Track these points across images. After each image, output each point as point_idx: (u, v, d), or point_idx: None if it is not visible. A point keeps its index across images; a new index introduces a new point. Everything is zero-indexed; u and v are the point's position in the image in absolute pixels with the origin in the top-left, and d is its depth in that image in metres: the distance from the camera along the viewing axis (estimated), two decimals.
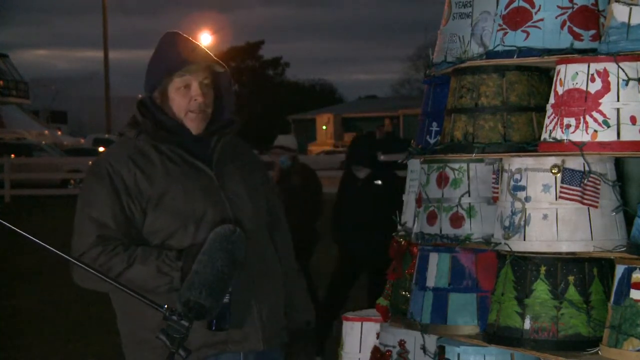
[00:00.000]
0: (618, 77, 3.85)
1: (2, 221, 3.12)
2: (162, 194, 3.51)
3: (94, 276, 3.27)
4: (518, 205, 4.00)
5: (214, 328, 3.41)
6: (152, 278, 3.41)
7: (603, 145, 3.85)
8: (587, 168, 3.91)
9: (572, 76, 3.95)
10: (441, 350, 4.35)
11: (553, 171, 3.94)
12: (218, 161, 3.60)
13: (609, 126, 3.85)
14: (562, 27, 4.10)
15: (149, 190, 3.50)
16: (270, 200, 3.80)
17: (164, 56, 3.60)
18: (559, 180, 3.93)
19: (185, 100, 3.57)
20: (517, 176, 4.02)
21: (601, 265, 3.96)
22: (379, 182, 8.67)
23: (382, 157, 9.20)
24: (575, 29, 4.09)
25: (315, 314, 3.94)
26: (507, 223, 4.03)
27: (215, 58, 3.63)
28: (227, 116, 3.69)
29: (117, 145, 3.67)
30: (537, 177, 3.97)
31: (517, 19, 4.17)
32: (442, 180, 4.47)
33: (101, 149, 35.39)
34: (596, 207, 3.92)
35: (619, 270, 3.79)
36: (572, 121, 3.91)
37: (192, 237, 3.47)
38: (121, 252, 3.44)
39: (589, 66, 3.91)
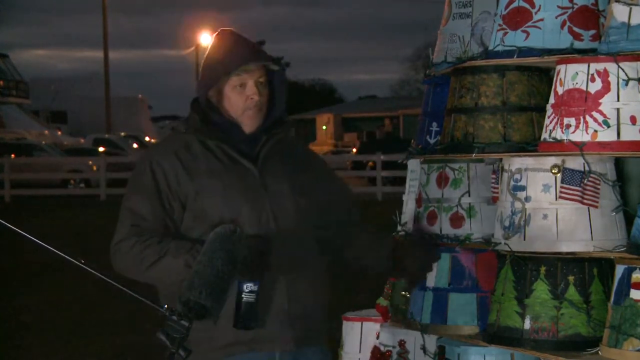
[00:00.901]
0: (618, 77, 3.85)
1: (2, 221, 3.12)
2: (201, 189, 3.53)
3: (130, 265, 3.44)
4: (518, 205, 4.00)
5: (240, 326, 3.40)
6: (178, 272, 3.43)
7: (603, 145, 3.85)
8: (587, 168, 3.91)
9: (572, 76, 3.95)
10: (441, 350, 4.35)
11: (553, 171, 3.94)
12: (264, 159, 3.60)
13: (609, 126, 3.85)
14: (562, 27, 4.10)
15: (189, 185, 3.53)
16: (333, 198, 3.74)
17: (220, 56, 3.62)
18: (559, 180, 3.93)
19: (242, 99, 3.59)
20: (517, 176, 4.03)
21: (601, 265, 3.97)
22: None
23: None
24: (575, 29, 4.09)
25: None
26: (507, 223, 4.03)
27: (271, 56, 3.65)
28: (279, 113, 3.69)
29: (165, 139, 3.73)
30: (537, 177, 3.97)
31: (517, 19, 4.17)
32: (442, 180, 4.47)
33: (101, 149, 35.41)
34: (596, 207, 3.92)
35: (619, 270, 3.79)
36: (572, 121, 3.91)
37: None
38: (155, 244, 3.47)
39: (589, 66, 3.91)
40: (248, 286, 3.37)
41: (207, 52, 3.70)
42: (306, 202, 3.63)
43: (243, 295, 3.37)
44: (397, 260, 3.62)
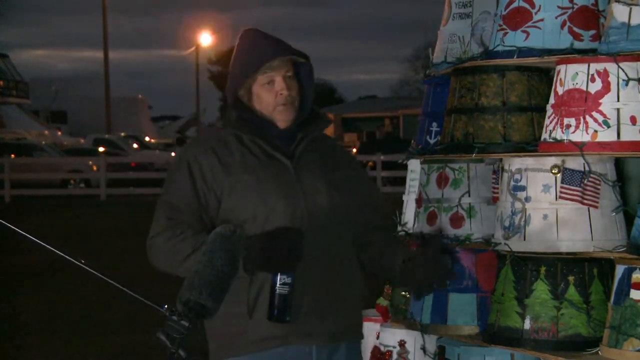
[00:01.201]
0: (618, 77, 3.85)
1: (2, 221, 3.12)
2: (236, 183, 3.55)
3: (166, 259, 3.46)
4: (518, 205, 4.00)
5: (273, 319, 3.41)
6: None
7: (603, 145, 3.85)
8: (587, 168, 3.91)
9: (572, 76, 3.95)
10: (441, 350, 4.35)
11: (553, 171, 3.94)
12: (300, 156, 3.61)
13: (609, 126, 3.85)
14: (562, 27, 4.10)
15: (224, 179, 3.55)
16: (364, 198, 3.74)
17: (245, 56, 3.63)
18: (559, 180, 3.93)
19: (272, 95, 3.60)
20: (517, 176, 4.03)
21: (601, 265, 3.97)
22: None
23: None
24: (575, 29, 4.10)
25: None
26: (507, 223, 4.03)
27: (297, 49, 3.65)
28: (310, 106, 3.70)
29: (202, 135, 3.77)
30: (537, 177, 3.97)
31: (517, 19, 4.17)
32: (442, 181, 4.47)
33: (101, 149, 35.40)
34: (596, 207, 3.92)
35: (619, 270, 3.79)
36: (572, 121, 3.91)
37: (261, 228, 3.48)
38: (190, 237, 3.48)
39: (589, 66, 3.91)
40: (282, 278, 3.38)
41: (233, 54, 3.71)
42: (340, 198, 3.63)
43: (277, 288, 3.38)
44: (407, 270, 3.56)
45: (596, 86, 3.88)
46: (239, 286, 3.43)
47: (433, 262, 3.48)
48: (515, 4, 4.18)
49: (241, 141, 3.60)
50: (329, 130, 57.03)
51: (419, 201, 4.60)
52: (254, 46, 3.63)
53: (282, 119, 3.61)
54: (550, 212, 3.93)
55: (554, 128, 3.97)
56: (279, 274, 3.38)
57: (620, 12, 3.88)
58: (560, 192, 3.93)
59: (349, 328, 3.62)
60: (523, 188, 4.00)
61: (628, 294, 3.73)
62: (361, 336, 3.72)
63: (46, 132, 45.78)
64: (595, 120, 3.86)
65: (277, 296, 3.39)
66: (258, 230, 3.46)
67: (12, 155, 30.02)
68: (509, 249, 4.00)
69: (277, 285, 3.38)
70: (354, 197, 3.67)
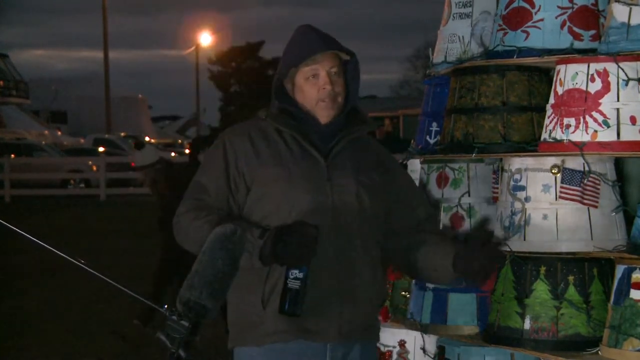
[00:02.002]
0: (618, 77, 3.86)
1: (2, 221, 3.12)
2: (267, 174, 3.57)
3: (189, 238, 3.51)
4: (518, 205, 4.00)
5: (284, 312, 3.42)
6: None
7: (603, 145, 3.85)
8: (587, 168, 3.91)
9: (572, 76, 3.95)
10: (441, 350, 4.35)
11: (553, 171, 3.94)
12: (336, 155, 3.61)
13: (608, 126, 3.85)
14: (562, 27, 4.10)
15: (257, 168, 3.58)
16: (402, 199, 3.74)
17: (293, 48, 3.66)
18: (559, 180, 3.94)
19: (315, 89, 3.61)
20: (517, 176, 4.03)
21: (601, 265, 3.97)
22: None
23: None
24: (575, 29, 4.10)
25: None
26: (507, 223, 4.03)
27: (343, 46, 3.65)
28: (354, 104, 3.70)
29: (244, 123, 3.78)
30: (537, 177, 3.97)
31: (517, 19, 4.17)
32: (442, 180, 4.47)
33: (101, 149, 35.38)
34: (596, 207, 3.92)
35: (619, 270, 3.79)
36: (572, 121, 3.91)
37: (283, 221, 3.48)
38: (215, 220, 3.50)
39: (589, 66, 3.91)
40: (293, 273, 3.40)
41: (286, 46, 3.73)
42: (370, 200, 3.62)
43: (288, 282, 3.40)
44: (459, 262, 3.54)
45: (596, 86, 3.88)
46: (256, 278, 3.47)
47: (485, 252, 3.46)
48: (515, 4, 4.18)
49: (279, 133, 3.63)
50: None
51: None
52: (302, 39, 3.65)
53: (323, 114, 3.62)
54: (550, 212, 3.93)
55: (553, 128, 3.97)
56: (291, 268, 3.40)
57: (620, 12, 3.88)
58: (560, 192, 3.93)
59: (363, 328, 3.61)
60: (523, 188, 4.00)
61: (628, 294, 3.73)
62: (377, 338, 3.72)
63: (46, 132, 45.75)
64: (595, 120, 3.86)
65: (289, 290, 3.41)
66: (280, 223, 3.47)
67: (12, 155, 30.01)
68: (509, 249, 4.00)
69: (289, 279, 3.41)
70: (386, 200, 3.66)
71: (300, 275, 3.41)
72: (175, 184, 8.80)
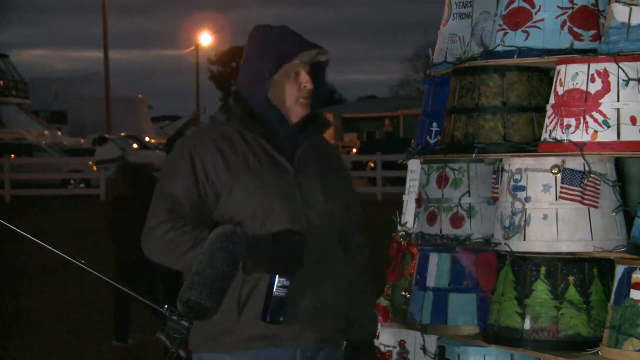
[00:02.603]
0: (618, 77, 3.85)
1: (2, 221, 3.12)
2: (237, 182, 3.54)
3: (163, 250, 3.44)
4: (518, 205, 4.00)
5: (268, 320, 3.40)
6: None
7: (603, 145, 3.85)
8: (587, 168, 3.91)
9: (572, 76, 3.95)
10: (441, 350, 4.35)
11: (553, 171, 3.94)
12: (300, 158, 3.61)
13: (609, 126, 3.85)
14: (562, 27, 4.10)
15: (225, 176, 3.54)
16: (350, 207, 3.76)
17: (278, 44, 3.61)
18: (559, 180, 3.93)
19: (296, 87, 3.60)
20: (517, 176, 4.03)
21: (601, 265, 3.97)
22: None
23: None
24: (575, 29, 4.10)
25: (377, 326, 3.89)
26: (507, 223, 4.03)
27: (319, 45, 3.66)
28: (320, 105, 3.70)
29: (205, 127, 3.72)
30: (537, 177, 3.97)
31: (517, 19, 4.17)
32: (442, 181, 4.47)
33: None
34: (596, 207, 3.92)
35: (619, 270, 3.79)
36: (572, 121, 3.91)
37: (259, 229, 3.48)
38: (189, 232, 3.47)
39: (589, 66, 3.91)
40: (281, 281, 3.38)
41: (254, 46, 3.66)
42: (335, 204, 3.64)
43: (275, 290, 3.38)
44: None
45: (596, 86, 3.88)
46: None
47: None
48: (515, 4, 4.18)
49: (244, 138, 3.59)
50: (329, 132, 57.14)
51: (419, 201, 4.60)
52: (286, 37, 3.62)
53: (298, 113, 3.61)
54: (550, 212, 3.93)
55: (554, 128, 3.97)
56: (277, 276, 3.37)
57: (620, 12, 3.88)
58: (560, 192, 3.93)
59: (334, 333, 3.63)
60: (523, 188, 4.00)
61: (628, 294, 3.73)
62: (342, 341, 3.72)
63: (46, 132, 45.72)
64: (595, 120, 3.86)
65: (274, 298, 3.38)
66: (255, 232, 3.46)
67: (12, 155, 29.99)
68: (509, 249, 4.00)
69: (275, 287, 3.38)
70: (344, 203, 3.69)
71: (287, 283, 3.39)
72: (134, 183, 8.75)
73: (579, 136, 3.89)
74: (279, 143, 3.59)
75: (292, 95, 3.60)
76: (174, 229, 3.48)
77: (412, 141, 4.84)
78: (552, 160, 3.95)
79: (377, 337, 3.92)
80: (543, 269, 3.94)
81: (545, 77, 4.30)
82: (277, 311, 3.39)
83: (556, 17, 4.11)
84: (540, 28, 4.12)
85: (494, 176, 4.36)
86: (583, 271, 3.94)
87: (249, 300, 3.46)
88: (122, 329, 8.91)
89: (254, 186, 3.52)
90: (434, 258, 4.42)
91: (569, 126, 3.92)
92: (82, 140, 43.39)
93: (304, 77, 3.60)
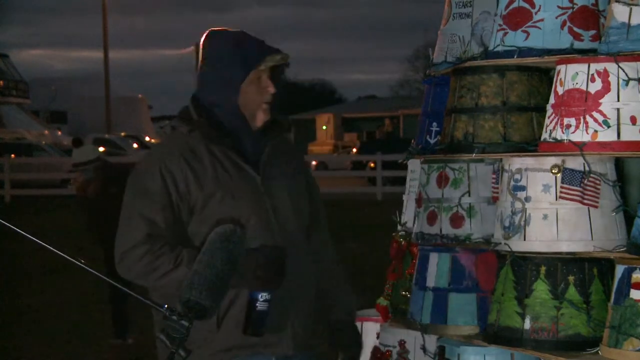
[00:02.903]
0: (618, 77, 3.86)
1: (2, 221, 3.12)
2: (210, 197, 3.51)
3: (141, 273, 3.41)
4: (518, 205, 4.00)
5: (250, 333, 3.41)
6: None
7: (603, 145, 3.85)
8: (587, 168, 3.91)
9: (572, 76, 3.95)
10: (441, 350, 4.35)
11: (553, 171, 3.94)
12: (265, 164, 3.60)
13: (609, 126, 3.85)
14: (562, 27, 4.10)
15: (197, 191, 3.51)
16: (314, 202, 3.77)
17: (239, 54, 3.57)
18: (559, 180, 3.93)
19: (259, 92, 3.58)
20: (517, 176, 4.03)
21: (601, 265, 3.97)
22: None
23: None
24: (575, 29, 4.10)
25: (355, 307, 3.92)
26: (507, 223, 4.03)
27: (279, 49, 3.64)
28: (278, 109, 3.69)
29: (169, 141, 3.65)
30: (537, 177, 3.97)
31: (517, 19, 4.17)
32: (442, 180, 4.47)
33: (101, 149, 35.35)
34: (596, 207, 3.92)
35: (619, 270, 3.79)
36: (572, 121, 3.91)
37: None
38: (167, 253, 3.45)
39: (589, 66, 3.91)
40: (263, 295, 3.38)
41: (216, 52, 3.63)
42: (303, 208, 3.66)
43: (258, 305, 3.38)
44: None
45: (596, 86, 3.88)
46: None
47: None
48: (515, 4, 4.18)
49: (210, 150, 3.55)
50: (329, 130, 56.96)
51: (419, 201, 4.60)
52: (248, 43, 3.59)
53: (261, 118, 3.59)
54: (550, 212, 3.93)
55: (554, 128, 3.97)
56: (260, 291, 3.38)
57: (620, 12, 3.88)
58: (560, 192, 3.93)
59: (310, 338, 3.64)
60: (523, 188, 4.00)
61: (628, 293, 3.73)
62: (317, 346, 3.73)
63: (46, 132, 45.73)
64: (595, 120, 3.86)
65: (257, 313, 3.38)
66: None
67: (12, 155, 29.99)
68: (509, 249, 4.00)
69: (259, 302, 3.38)
70: (309, 203, 3.72)
71: (269, 297, 3.40)
72: (111, 185, 8.74)
73: (579, 136, 3.89)
74: (243, 151, 3.58)
75: (255, 100, 3.58)
76: (151, 251, 3.45)
77: (412, 141, 4.84)
78: (552, 160, 3.95)
79: (358, 320, 3.96)
80: (543, 269, 3.94)
81: (545, 77, 4.30)
82: (258, 324, 3.40)
83: (556, 17, 4.11)
84: (540, 28, 4.12)
85: (494, 176, 4.36)
86: (583, 271, 3.94)
87: (228, 312, 3.47)
88: (122, 327, 8.92)
89: (226, 199, 3.51)
90: (434, 258, 4.42)
91: (569, 126, 3.92)
92: None
93: (266, 82, 3.58)
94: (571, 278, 3.93)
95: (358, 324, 4.78)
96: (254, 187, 3.56)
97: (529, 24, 4.14)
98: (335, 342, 3.77)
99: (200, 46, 3.70)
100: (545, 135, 4.03)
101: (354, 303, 3.86)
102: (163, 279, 3.43)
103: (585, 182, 3.91)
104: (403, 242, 4.72)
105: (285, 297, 3.52)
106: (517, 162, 4.05)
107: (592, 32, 4.10)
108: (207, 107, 3.60)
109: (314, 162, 35.96)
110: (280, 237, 3.53)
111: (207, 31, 3.68)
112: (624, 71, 3.84)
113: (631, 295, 3.72)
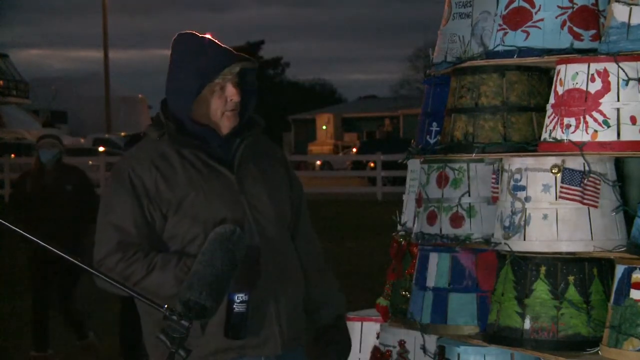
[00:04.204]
0: (618, 77, 3.86)
1: (2, 221, 3.12)
2: (183, 199, 3.50)
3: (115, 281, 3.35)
4: (518, 205, 4.00)
5: (231, 336, 3.40)
6: (170, 286, 3.42)
7: (603, 145, 3.85)
8: (587, 168, 3.91)
9: (572, 76, 3.95)
10: (441, 350, 4.35)
11: (553, 171, 3.94)
12: (240, 164, 3.58)
13: (609, 126, 3.85)
14: (562, 27, 4.10)
15: (169, 195, 3.50)
16: (295, 199, 3.77)
17: (195, 65, 3.55)
18: (559, 180, 3.93)
19: (221, 101, 3.55)
20: (517, 176, 4.03)
21: (601, 265, 3.97)
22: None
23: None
24: (575, 29, 4.10)
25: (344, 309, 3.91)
26: (507, 223, 4.03)
27: (245, 55, 3.61)
28: (250, 113, 3.67)
29: (140, 147, 3.64)
30: (537, 177, 3.97)
31: (517, 19, 4.17)
32: (442, 180, 4.47)
33: (101, 148, 35.36)
34: (596, 207, 3.92)
35: (619, 270, 3.79)
36: (572, 121, 3.91)
37: None
38: (141, 259, 3.44)
39: (589, 66, 3.91)
40: (239, 297, 3.38)
41: (177, 58, 3.59)
42: (281, 204, 3.65)
43: (235, 306, 3.38)
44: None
45: (596, 86, 3.88)
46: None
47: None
48: (515, 4, 4.18)
49: (181, 154, 3.54)
50: (329, 130, 56.95)
51: (419, 201, 4.60)
52: (209, 52, 3.55)
53: (227, 125, 3.56)
54: (550, 212, 3.93)
55: (554, 128, 3.97)
56: (236, 292, 3.37)
57: (620, 12, 3.88)
58: (560, 192, 3.93)
59: (297, 335, 3.64)
60: (523, 188, 4.00)
61: (628, 293, 3.73)
62: (304, 343, 3.73)
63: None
64: (595, 120, 3.87)
65: (235, 315, 3.38)
66: None
67: (12, 155, 29.98)
68: (509, 249, 4.00)
69: (235, 303, 3.38)
70: (289, 199, 3.70)
71: (246, 298, 3.38)
72: (46, 185, 8.75)
73: (579, 136, 3.89)
74: (215, 153, 3.57)
75: (218, 109, 3.55)
76: (124, 259, 3.45)
77: (412, 141, 4.84)
78: (552, 160, 3.95)
79: (346, 318, 3.96)
80: (543, 269, 3.94)
81: (545, 76, 4.31)
82: (239, 326, 3.39)
83: (556, 17, 4.11)
84: (540, 28, 4.12)
85: (494, 176, 4.36)
86: (583, 271, 3.94)
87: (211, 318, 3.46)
88: (43, 340, 8.78)
89: (200, 201, 3.50)
90: (434, 258, 4.42)
91: (569, 126, 3.92)
92: (82, 140, 43.38)
93: (230, 90, 3.54)
94: (571, 278, 3.93)
95: (358, 324, 4.80)
96: (229, 187, 3.54)
97: (529, 23, 4.14)
98: (324, 339, 3.76)
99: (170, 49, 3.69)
100: (545, 135, 4.03)
101: (342, 298, 3.85)
102: (137, 286, 3.42)
103: (585, 182, 3.91)
104: (403, 242, 4.73)
105: (268, 297, 3.52)
106: (517, 162, 4.05)
107: (592, 32, 4.10)
108: (173, 111, 3.60)
109: (318, 162, 35.92)
110: (259, 236, 3.52)
111: (176, 34, 3.67)
112: (624, 71, 3.84)
113: (631, 295, 3.72)
